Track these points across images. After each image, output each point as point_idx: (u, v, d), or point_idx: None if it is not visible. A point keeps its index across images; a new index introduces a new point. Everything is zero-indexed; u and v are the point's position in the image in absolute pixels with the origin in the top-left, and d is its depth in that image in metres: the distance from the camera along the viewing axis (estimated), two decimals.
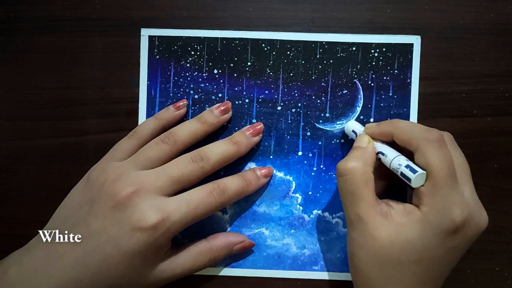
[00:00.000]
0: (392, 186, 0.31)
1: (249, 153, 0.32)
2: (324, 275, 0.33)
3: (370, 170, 0.27)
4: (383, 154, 0.28)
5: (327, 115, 0.33)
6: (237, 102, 0.33)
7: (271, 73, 0.33)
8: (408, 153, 0.27)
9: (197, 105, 0.33)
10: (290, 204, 0.33)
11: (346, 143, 0.33)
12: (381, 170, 0.29)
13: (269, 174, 0.32)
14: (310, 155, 0.33)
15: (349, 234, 0.28)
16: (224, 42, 0.33)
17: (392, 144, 0.29)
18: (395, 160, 0.27)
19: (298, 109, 0.33)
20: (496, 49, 0.33)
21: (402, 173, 0.26)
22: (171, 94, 0.33)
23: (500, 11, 0.33)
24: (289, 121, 0.33)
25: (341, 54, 0.33)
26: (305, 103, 0.33)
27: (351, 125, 0.32)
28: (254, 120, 0.33)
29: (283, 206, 0.33)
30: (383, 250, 0.26)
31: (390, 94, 0.33)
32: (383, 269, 0.26)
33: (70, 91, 0.33)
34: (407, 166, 0.26)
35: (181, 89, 0.33)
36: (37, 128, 0.33)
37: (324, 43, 0.33)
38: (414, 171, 0.26)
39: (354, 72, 0.33)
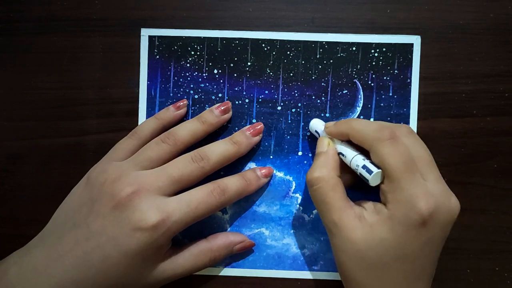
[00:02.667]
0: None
1: (249, 153, 0.32)
2: (324, 275, 0.33)
3: (336, 174, 0.28)
4: (343, 154, 0.28)
5: (327, 115, 0.33)
6: (237, 102, 0.33)
7: (271, 73, 0.33)
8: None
9: (197, 105, 0.33)
10: (290, 204, 0.33)
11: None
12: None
13: (269, 174, 0.32)
14: (310, 155, 0.33)
15: (331, 242, 0.28)
16: (224, 42, 0.33)
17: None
18: (353, 161, 0.27)
19: (298, 109, 0.33)
20: (496, 49, 0.33)
21: (360, 173, 0.27)
22: (171, 94, 0.33)
23: (500, 11, 0.33)
24: (289, 121, 0.33)
25: (341, 54, 0.33)
26: (305, 103, 0.33)
27: (314, 124, 0.32)
28: (254, 120, 0.33)
29: (283, 206, 0.33)
30: (363, 252, 0.26)
31: (390, 94, 0.33)
32: (369, 271, 0.26)
33: (70, 91, 0.33)
34: (364, 167, 0.27)
35: (181, 89, 0.33)
36: (37, 128, 0.33)
37: (324, 43, 0.33)
38: (370, 172, 0.26)
39: (354, 72, 0.33)
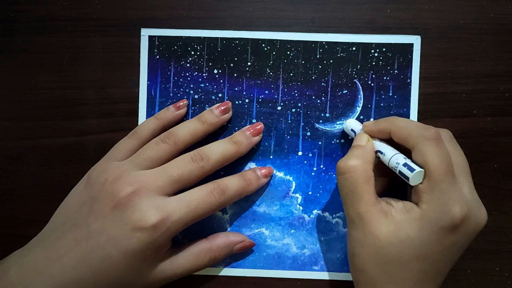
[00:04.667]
0: (392, 184, 0.31)
1: (249, 153, 0.32)
2: (324, 275, 0.33)
3: (371, 168, 0.28)
4: (381, 152, 0.28)
5: (327, 115, 0.33)
6: (237, 102, 0.33)
7: (271, 73, 0.33)
8: (407, 150, 0.27)
9: (197, 105, 0.33)
10: (290, 204, 0.33)
11: (346, 143, 0.33)
12: (381, 168, 0.29)
13: (269, 174, 0.32)
14: (310, 155, 0.33)
15: (349, 233, 0.28)
16: (224, 42, 0.33)
17: (391, 141, 0.29)
18: (393, 159, 0.27)
19: (298, 109, 0.33)
20: (496, 49, 0.33)
21: (400, 172, 0.27)
22: (171, 94, 0.33)
23: (500, 11, 0.33)
24: (289, 121, 0.33)
25: (341, 54, 0.33)
26: (305, 103, 0.33)
27: (350, 123, 0.32)
28: (254, 120, 0.33)
29: (283, 206, 0.33)
30: (383, 248, 0.26)
31: (390, 94, 0.33)
32: (385, 267, 0.26)
33: (70, 91, 0.33)
34: (405, 165, 0.26)
35: (181, 89, 0.33)
36: (37, 128, 0.33)
37: (324, 43, 0.33)
38: (411, 170, 0.26)
39: (354, 72, 0.33)
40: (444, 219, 0.25)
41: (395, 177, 0.29)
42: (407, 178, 0.26)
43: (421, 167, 0.26)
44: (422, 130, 0.26)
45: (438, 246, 0.25)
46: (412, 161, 0.27)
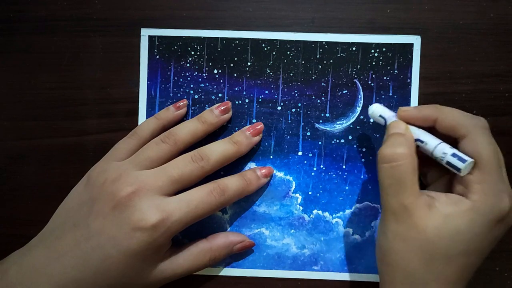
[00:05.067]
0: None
1: (249, 153, 0.32)
2: (324, 275, 0.33)
3: (416, 158, 0.26)
4: (422, 141, 0.27)
5: (327, 115, 0.33)
6: (237, 102, 0.33)
7: (271, 73, 0.33)
8: (446, 140, 0.26)
9: (197, 105, 0.33)
10: (290, 204, 0.33)
11: (346, 143, 0.33)
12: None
13: (269, 174, 0.32)
14: (310, 155, 0.33)
15: (386, 226, 0.26)
16: (224, 42, 0.33)
17: (427, 130, 0.27)
18: (439, 148, 0.26)
19: (298, 109, 0.33)
20: (496, 49, 0.33)
21: (448, 162, 0.25)
22: (171, 94, 0.33)
23: (500, 11, 0.33)
24: (289, 121, 0.33)
25: (341, 54, 0.33)
26: (305, 103, 0.33)
27: (377, 109, 0.29)
28: (254, 120, 0.33)
29: (283, 206, 0.33)
30: (429, 243, 0.24)
31: (390, 94, 0.33)
32: (429, 263, 0.25)
33: (70, 91, 0.33)
34: (454, 155, 0.25)
35: (181, 89, 0.33)
36: (37, 128, 0.33)
37: (324, 43, 0.33)
38: (463, 160, 0.25)
39: (354, 72, 0.33)
40: (495, 211, 0.24)
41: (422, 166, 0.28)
42: (458, 169, 0.25)
43: (470, 156, 0.25)
44: (474, 119, 0.26)
45: (486, 239, 0.25)
46: (459, 150, 0.26)
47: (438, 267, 0.25)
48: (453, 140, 0.27)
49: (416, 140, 0.27)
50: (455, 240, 0.24)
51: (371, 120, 0.33)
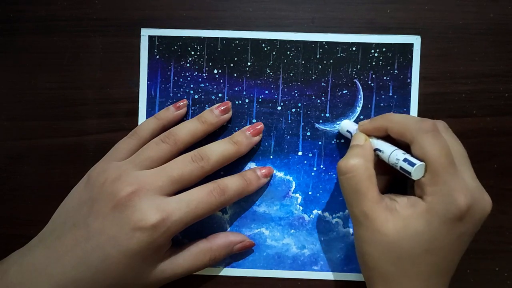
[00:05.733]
0: (394, 180, 0.31)
1: (249, 153, 0.32)
2: (324, 275, 0.33)
3: (372, 166, 0.27)
4: (380, 150, 0.28)
5: (327, 115, 0.33)
6: (237, 102, 0.33)
7: (271, 73, 0.33)
8: (405, 146, 0.27)
9: (197, 105, 0.33)
10: (290, 204, 0.33)
11: (346, 143, 0.33)
12: (381, 166, 0.29)
13: (269, 174, 0.32)
14: (310, 155, 0.33)
15: (356, 232, 0.28)
16: (224, 42, 0.33)
17: (387, 138, 0.29)
18: (393, 155, 0.27)
19: (298, 109, 0.33)
20: (496, 49, 0.33)
21: (401, 167, 0.27)
22: (171, 94, 0.33)
23: (500, 11, 0.33)
24: (289, 121, 0.33)
25: (341, 54, 0.33)
26: (305, 103, 0.33)
27: (345, 125, 0.32)
28: (254, 120, 0.33)
29: (283, 206, 0.33)
30: (393, 245, 0.26)
31: (390, 94, 0.33)
32: (397, 263, 0.26)
33: (70, 91, 0.33)
34: (405, 160, 0.26)
35: (181, 89, 0.33)
36: (37, 128, 0.33)
37: (324, 43, 0.33)
38: (412, 164, 0.26)
39: (354, 72, 0.33)
40: (450, 210, 0.25)
41: (396, 173, 0.29)
42: (409, 173, 0.26)
43: (421, 160, 0.26)
44: (419, 123, 0.27)
45: (447, 237, 0.25)
46: (412, 155, 0.26)
47: (406, 266, 0.26)
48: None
49: (375, 150, 0.28)
50: (416, 240, 0.25)
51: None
